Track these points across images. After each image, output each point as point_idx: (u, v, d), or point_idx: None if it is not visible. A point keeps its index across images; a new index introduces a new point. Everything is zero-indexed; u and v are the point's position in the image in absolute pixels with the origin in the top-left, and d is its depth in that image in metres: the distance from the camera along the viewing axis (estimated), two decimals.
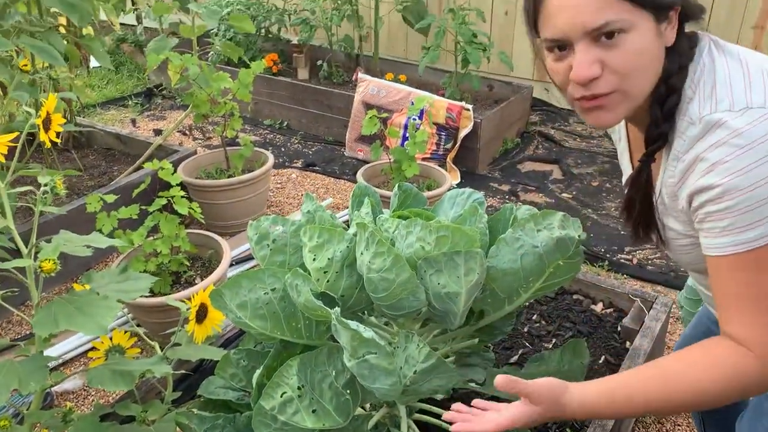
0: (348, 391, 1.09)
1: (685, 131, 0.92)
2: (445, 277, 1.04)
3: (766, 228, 0.86)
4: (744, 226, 0.87)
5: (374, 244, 1.02)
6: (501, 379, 1.00)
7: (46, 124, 1.23)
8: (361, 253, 1.06)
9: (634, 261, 2.64)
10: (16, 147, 1.26)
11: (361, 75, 3.67)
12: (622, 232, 2.78)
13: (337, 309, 1.02)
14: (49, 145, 1.23)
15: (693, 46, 0.96)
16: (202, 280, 2.12)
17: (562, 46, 0.94)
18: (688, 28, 0.98)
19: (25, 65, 2.16)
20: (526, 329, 1.98)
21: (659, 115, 0.95)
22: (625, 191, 1.10)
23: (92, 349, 1.98)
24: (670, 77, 0.94)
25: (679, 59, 0.94)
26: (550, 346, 1.92)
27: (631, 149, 1.16)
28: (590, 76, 0.91)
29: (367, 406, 1.36)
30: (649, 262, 2.62)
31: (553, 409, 0.99)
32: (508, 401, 1.04)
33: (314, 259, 1.10)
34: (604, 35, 0.89)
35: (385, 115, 3.28)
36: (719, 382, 0.91)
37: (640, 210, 1.06)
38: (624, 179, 1.21)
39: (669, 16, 0.93)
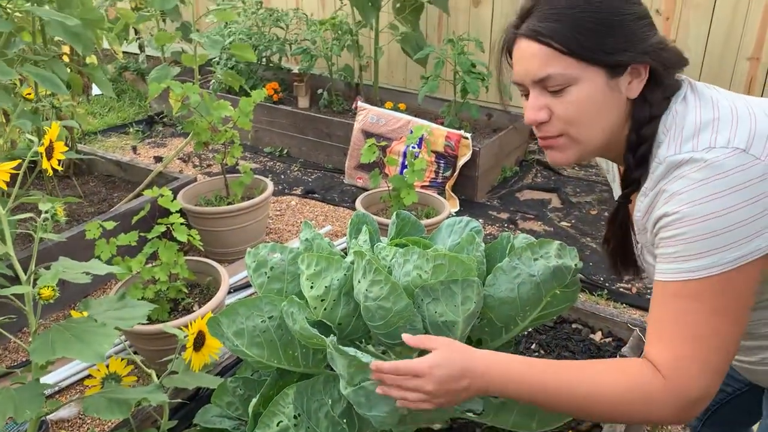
0: (344, 421, 1.08)
1: (654, 171, 0.97)
2: (442, 306, 1.04)
3: (711, 260, 0.88)
4: (690, 255, 0.89)
5: (371, 273, 1.03)
6: (408, 339, 1.02)
7: (49, 152, 1.24)
8: (359, 282, 1.06)
9: (633, 290, 2.64)
10: (17, 174, 1.28)
11: (360, 103, 3.71)
12: None
13: (333, 337, 1.02)
14: (51, 172, 1.25)
15: (669, 95, 1.00)
16: (200, 307, 2.12)
17: (525, 93, 1.04)
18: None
19: (29, 94, 2.19)
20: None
21: (632, 162, 1.01)
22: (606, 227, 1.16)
23: (88, 376, 1.97)
24: (641, 127, 0.99)
25: (650, 110, 0.99)
26: None
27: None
28: (535, 120, 1.01)
29: None
30: (649, 291, 2.62)
31: (458, 352, 0.98)
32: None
33: (312, 287, 1.10)
34: (551, 87, 0.98)
35: (384, 143, 3.31)
36: (619, 387, 0.93)
37: (616, 245, 1.12)
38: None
39: (631, 71, 0.98)
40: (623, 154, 1.03)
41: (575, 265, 1.13)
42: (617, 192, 1.21)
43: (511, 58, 1.05)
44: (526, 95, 1.04)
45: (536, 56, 0.97)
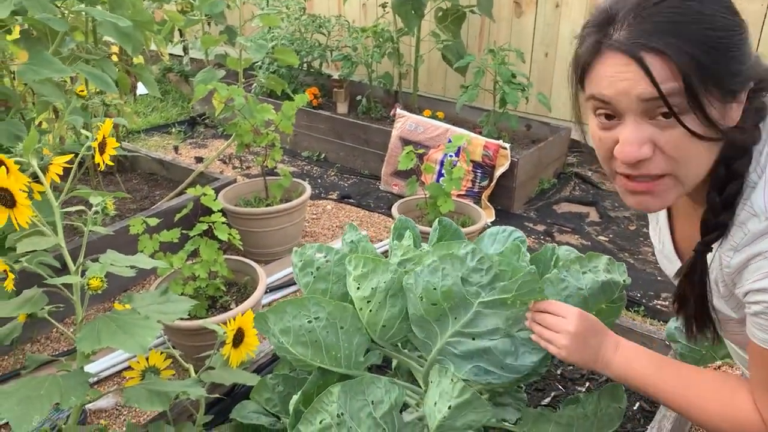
0: (385, 423, 1.08)
1: (747, 222, 0.83)
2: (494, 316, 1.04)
3: None
4: None
5: (475, 260, 1.04)
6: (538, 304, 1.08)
7: (102, 147, 1.27)
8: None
9: (671, 308, 2.59)
10: (70, 168, 1.31)
11: (399, 111, 3.72)
12: (659, 278, 2.73)
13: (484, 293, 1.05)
14: (103, 167, 1.28)
15: (758, 122, 0.87)
16: (237, 305, 2.14)
17: (609, 116, 0.84)
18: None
19: (81, 91, 2.24)
20: (559, 371, 1.95)
21: (718, 204, 0.86)
22: (676, 283, 1.01)
23: (127, 368, 2.01)
24: (733, 161, 0.84)
25: (742, 139, 0.84)
26: (584, 389, 1.88)
27: (672, 220, 1.07)
28: (639, 157, 0.81)
29: None
30: None
31: (594, 327, 1.06)
32: None
33: (358, 288, 1.11)
34: (662, 114, 0.80)
35: (421, 151, 3.31)
36: (724, 416, 0.93)
37: (694, 305, 0.97)
38: (653, 233, 1.12)
39: (736, 96, 0.83)
40: (707, 193, 0.87)
41: (623, 281, 1.12)
42: (659, 244, 1.09)
43: (584, 75, 0.87)
44: (608, 117, 0.84)
45: (645, 75, 0.78)
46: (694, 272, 0.93)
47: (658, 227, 1.11)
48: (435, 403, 1.08)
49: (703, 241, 0.89)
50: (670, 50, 0.77)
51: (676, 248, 1.06)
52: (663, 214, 1.08)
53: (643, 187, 0.84)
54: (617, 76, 0.81)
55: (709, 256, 0.92)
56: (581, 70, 0.87)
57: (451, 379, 1.06)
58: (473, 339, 1.09)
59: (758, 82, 0.85)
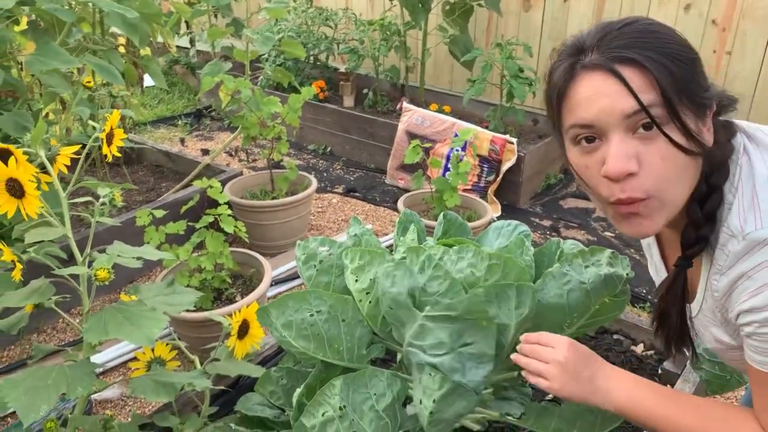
0: (387, 415, 1.09)
1: (726, 244, 0.84)
2: (495, 308, 1.04)
3: None
4: None
5: (431, 268, 1.03)
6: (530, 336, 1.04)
7: (109, 138, 1.28)
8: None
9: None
10: (77, 159, 1.32)
11: (405, 104, 3.71)
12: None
13: (428, 308, 1.03)
14: (110, 158, 1.28)
15: (730, 137, 0.88)
16: (242, 297, 2.15)
17: (590, 138, 0.85)
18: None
19: (88, 82, 2.25)
20: None
21: (699, 216, 0.86)
22: (656, 299, 1.01)
23: (132, 359, 2.02)
24: (711, 175, 0.86)
25: (719, 154, 0.86)
26: None
27: (663, 249, 1.08)
28: (627, 170, 0.81)
29: None
30: None
31: (586, 357, 1.00)
32: None
33: (356, 281, 1.12)
34: (642, 126, 0.81)
35: (428, 144, 3.30)
36: None
37: (675, 321, 0.98)
38: (652, 270, 1.13)
39: (706, 115, 0.85)
40: (688, 207, 0.87)
41: (626, 274, 1.11)
42: (657, 277, 1.08)
43: (561, 108, 0.87)
44: (589, 140, 0.85)
45: (624, 87, 0.80)
46: (676, 288, 0.94)
47: (653, 262, 1.12)
48: (420, 401, 1.10)
49: (683, 254, 0.90)
50: (645, 60, 0.80)
51: None
52: (656, 250, 1.08)
53: (631, 209, 0.85)
54: (597, 93, 0.82)
55: (702, 283, 0.92)
56: (558, 103, 0.88)
57: (429, 374, 1.07)
58: (424, 352, 1.07)
59: (719, 101, 0.88)
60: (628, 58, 0.80)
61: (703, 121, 0.85)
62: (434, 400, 1.07)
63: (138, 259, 1.28)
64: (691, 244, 0.88)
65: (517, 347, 1.06)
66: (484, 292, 1.03)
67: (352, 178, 3.79)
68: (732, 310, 0.86)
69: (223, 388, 1.58)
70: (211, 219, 2.12)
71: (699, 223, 0.87)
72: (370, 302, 1.14)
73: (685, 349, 1.02)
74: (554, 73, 0.88)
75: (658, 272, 1.09)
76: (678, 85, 0.80)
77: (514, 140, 3.32)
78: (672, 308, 0.97)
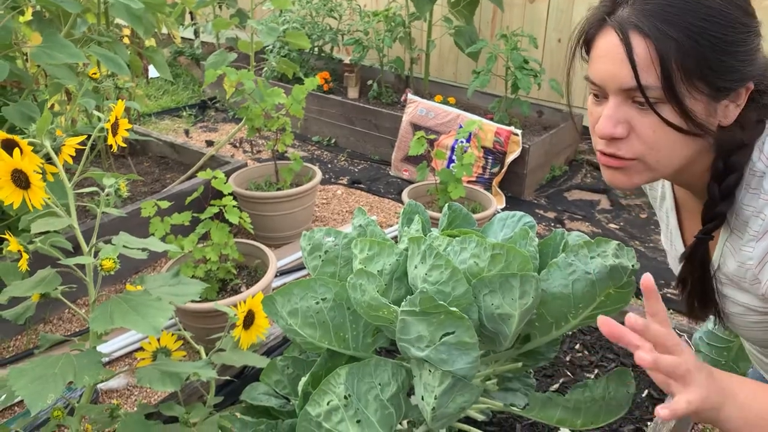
0: (392, 405, 1.09)
1: (762, 209, 0.83)
2: (498, 298, 1.04)
3: None
4: None
5: (432, 257, 1.03)
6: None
7: (114, 128, 1.28)
8: (415, 267, 1.07)
9: (677, 290, 2.58)
10: (83, 150, 1.32)
11: (410, 96, 3.71)
12: (670, 266, 2.72)
13: (409, 299, 1.02)
14: (116, 148, 1.28)
15: (764, 117, 0.87)
16: (247, 288, 2.16)
17: (597, 94, 0.89)
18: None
19: (94, 73, 2.25)
20: (568, 358, 1.96)
21: (717, 195, 0.88)
22: (679, 266, 1.02)
23: (138, 349, 2.02)
24: (731, 155, 0.86)
25: (742, 135, 0.85)
26: (592, 376, 1.88)
27: (679, 211, 1.08)
28: (611, 134, 0.84)
29: (405, 422, 1.37)
30: None
31: (706, 377, 0.77)
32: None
33: None
34: (637, 100, 0.82)
35: (432, 136, 3.30)
36: None
37: (695, 287, 0.99)
38: (665, 239, 1.12)
39: (732, 95, 0.84)
40: (707, 184, 0.89)
41: (632, 266, 1.11)
42: (670, 247, 1.08)
43: (588, 50, 0.89)
44: (597, 96, 0.88)
45: (626, 57, 0.80)
46: (695, 258, 0.96)
47: (668, 230, 1.12)
48: (422, 398, 1.10)
49: (703, 229, 0.92)
50: (659, 36, 0.79)
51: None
52: (673, 217, 1.09)
53: (615, 163, 0.88)
54: (607, 56, 0.84)
55: (717, 252, 0.93)
56: (586, 45, 0.90)
57: (429, 371, 1.08)
58: (412, 346, 1.07)
59: (762, 82, 0.86)
60: (643, 30, 0.80)
61: (728, 99, 0.84)
62: (435, 396, 1.08)
63: (143, 250, 1.28)
64: (709, 219, 0.91)
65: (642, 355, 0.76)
66: (435, 291, 1.04)
67: (356, 170, 3.79)
68: (766, 281, 0.85)
69: (228, 378, 1.58)
70: (215, 210, 2.13)
71: (716, 201, 0.89)
72: (378, 292, 1.15)
73: (709, 312, 1.01)
74: (591, 14, 0.89)
75: (672, 241, 1.10)
76: (690, 66, 0.79)
77: (519, 132, 3.31)
78: (692, 275, 0.98)
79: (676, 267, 1.11)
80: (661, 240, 1.17)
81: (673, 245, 1.11)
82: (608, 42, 0.84)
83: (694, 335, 1.60)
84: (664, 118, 0.81)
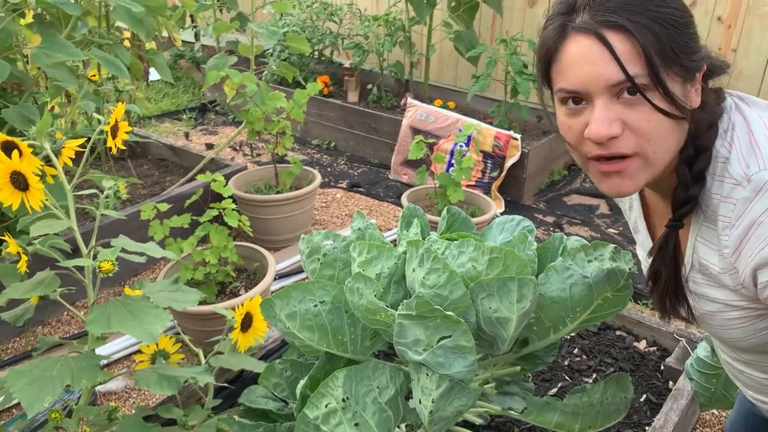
0: (390, 408, 1.09)
1: (731, 194, 0.84)
2: (496, 302, 1.04)
3: None
4: None
5: (429, 260, 1.03)
6: None
7: (114, 131, 1.28)
8: (413, 270, 1.07)
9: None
10: (82, 152, 1.32)
11: (410, 100, 3.71)
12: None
13: (406, 302, 1.02)
14: (115, 151, 1.28)
15: (720, 101, 0.89)
16: (246, 291, 2.16)
17: (576, 100, 0.86)
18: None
19: (94, 75, 2.26)
20: (566, 363, 1.96)
21: (688, 177, 0.87)
22: (648, 262, 1.00)
23: (137, 351, 2.02)
24: (699, 136, 0.87)
25: (706, 117, 0.87)
26: (591, 381, 1.89)
27: (648, 216, 1.07)
28: (609, 134, 0.83)
29: (403, 426, 1.37)
30: None
31: None
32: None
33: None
34: (626, 90, 0.82)
35: (432, 140, 3.31)
36: None
37: (668, 282, 0.96)
38: (640, 250, 1.12)
39: (695, 78, 0.86)
40: (677, 167, 0.88)
41: (629, 269, 1.11)
42: (639, 222, 1.07)
43: (548, 67, 0.88)
44: (576, 102, 0.86)
45: (610, 54, 0.80)
46: (667, 249, 0.93)
47: (640, 240, 1.11)
48: (420, 401, 1.10)
49: (675, 216, 0.90)
50: (631, 26, 0.80)
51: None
52: (642, 224, 1.07)
53: (614, 167, 0.86)
54: (584, 59, 0.82)
55: (689, 248, 0.92)
56: (546, 61, 0.89)
57: (426, 374, 1.08)
58: (410, 350, 1.08)
59: (710, 64, 0.89)
60: (617, 24, 0.80)
61: (692, 83, 0.86)
62: (433, 400, 1.08)
63: (141, 255, 1.28)
64: (681, 204, 0.89)
65: None
66: (433, 294, 1.04)
67: (356, 173, 3.79)
68: (744, 268, 0.84)
69: (227, 385, 1.58)
70: (215, 213, 2.13)
71: (688, 183, 0.88)
72: (375, 295, 1.15)
73: (680, 309, 1.00)
74: (546, 30, 0.89)
75: (645, 247, 1.08)
76: (666, 51, 0.81)
77: (518, 136, 3.32)
78: (664, 269, 0.96)
79: (646, 265, 1.09)
80: (637, 252, 1.15)
81: (645, 251, 1.09)
82: (580, 46, 0.83)
83: (686, 362, 1.59)
84: (656, 105, 0.82)
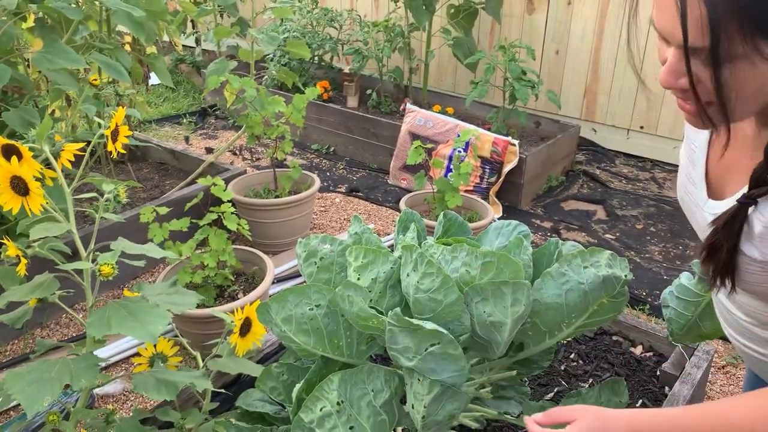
0: (385, 411, 1.10)
1: None
2: (490, 306, 1.05)
3: None
4: None
5: (423, 265, 1.04)
6: (539, 418, 0.97)
7: (114, 135, 1.29)
8: (408, 275, 1.08)
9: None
10: (83, 156, 1.33)
11: (409, 105, 3.73)
12: (665, 277, 2.73)
13: (393, 312, 1.03)
14: (115, 155, 1.29)
15: None
16: (244, 295, 2.17)
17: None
18: None
19: (95, 79, 2.27)
20: (563, 367, 1.96)
21: None
22: (708, 232, 0.94)
23: (135, 354, 2.03)
24: None
25: None
26: (587, 386, 1.89)
27: (712, 138, 0.99)
28: (674, 87, 0.79)
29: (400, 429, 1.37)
30: None
31: (598, 422, 0.92)
32: None
33: (359, 279, 1.13)
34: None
35: (430, 145, 3.32)
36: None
37: (727, 255, 0.90)
38: (683, 166, 1.04)
39: None
40: (767, 146, 0.80)
41: (625, 276, 1.12)
42: (689, 163, 1.00)
43: None
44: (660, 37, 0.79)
45: (695, 19, 0.70)
46: (734, 224, 0.87)
47: (692, 145, 1.03)
48: (413, 406, 1.11)
49: (749, 193, 0.84)
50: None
51: (707, 172, 0.99)
52: (704, 146, 1.00)
53: (690, 108, 0.81)
54: (665, 6, 0.75)
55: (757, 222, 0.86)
56: None
57: (418, 379, 1.09)
58: (401, 355, 1.09)
59: None
60: None
61: None
62: (425, 405, 1.09)
63: (141, 257, 1.29)
64: (759, 183, 0.82)
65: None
66: (427, 298, 1.04)
67: (354, 178, 3.80)
68: None
69: (223, 389, 1.59)
70: (214, 216, 2.14)
71: None
72: (371, 300, 1.16)
73: (727, 281, 0.93)
74: None
75: (693, 159, 1.01)
76: (749, 24, 0.69)
77: (516, 142, 3.33)
78: (726, 243, 0.90)
79: (686, 187, 1.03)
80: (680, 152, 1.07)
81: (692, 161, 1.02)
82: None
83: (664, 291, 1.52)
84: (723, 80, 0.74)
